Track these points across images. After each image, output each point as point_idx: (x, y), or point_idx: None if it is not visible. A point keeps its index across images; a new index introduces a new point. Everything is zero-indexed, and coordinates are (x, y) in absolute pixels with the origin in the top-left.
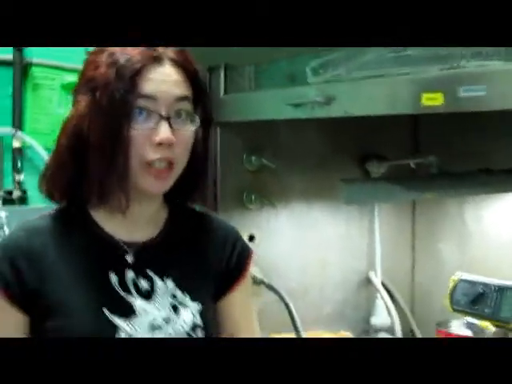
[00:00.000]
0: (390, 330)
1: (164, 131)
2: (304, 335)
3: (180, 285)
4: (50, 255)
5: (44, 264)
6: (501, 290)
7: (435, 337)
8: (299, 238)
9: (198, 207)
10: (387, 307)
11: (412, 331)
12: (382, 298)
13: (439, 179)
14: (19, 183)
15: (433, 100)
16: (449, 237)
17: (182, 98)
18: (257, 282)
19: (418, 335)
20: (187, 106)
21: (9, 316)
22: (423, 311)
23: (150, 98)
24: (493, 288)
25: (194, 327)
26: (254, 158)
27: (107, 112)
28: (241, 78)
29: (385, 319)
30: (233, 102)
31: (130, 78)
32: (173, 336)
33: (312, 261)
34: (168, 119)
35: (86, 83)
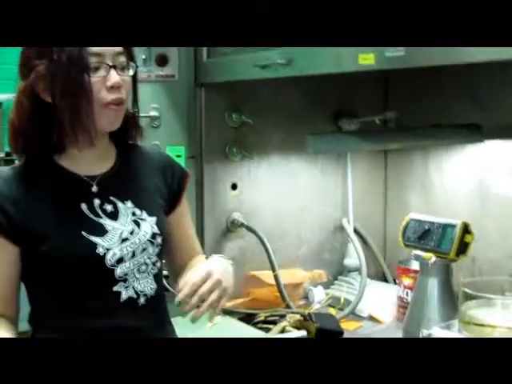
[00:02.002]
0: (360, 270)
1: (114, 76)
2: (280, 272)
3: (137, 204)
4: (29, 195)
5: (25, 203)
6: (443, 226)
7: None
8: (278, 187)
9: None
10: (356, 251)
11: (384, 273)
12: (352, 242)
13: (395, 133)
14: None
15: (367, 60)
16: (415, 186)
17: (121, 52)
18: (239, 225)
19: (389, 276)
20: (125, 57)
21: (4, 249)
22: (393, 254)
23: (99, 54)
24: (436, 225)
25: (154, 235)
26: (235, 115)
27: (69, 67)
28: None
29: (356, 261)
30: (214, 65)
31: None
32: (138, 244)
33: (289, 207)
34: (114, 68)
35: (40, 51)
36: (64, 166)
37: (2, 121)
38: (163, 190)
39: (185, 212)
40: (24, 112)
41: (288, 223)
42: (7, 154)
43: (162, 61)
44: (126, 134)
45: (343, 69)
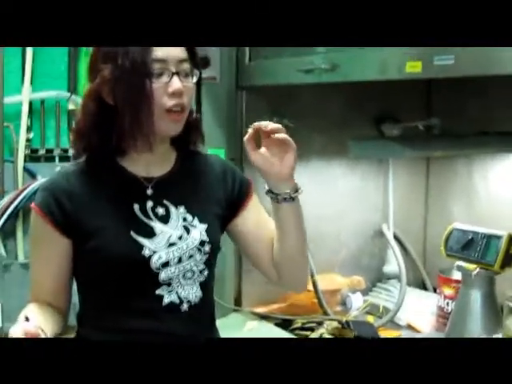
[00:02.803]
0: (399, 278)
1: (176, 83)
2: (318, 278)
3: (189, 210)
4: (85, 191)
5: (81, 199)
6: (487, 237)
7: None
8: (318, 191)
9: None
10: (396, 257)
11: (423, 280)
12: (392, 248)
13: (439, 140)
14: (74, 147)
15: (414, 67)
16: (458, 194)
17: (185, 60)
18: None
19: (428, 284)
20: (188, 65)
21: (57, 240)
22: (433, 262)
23: (162, 60)
24: (480, 236)
25: (202, 242)
26: (275, 118)
27: (132, 73)
28: (263, 48)
29: (395, 268)
30: (256, 68)
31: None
32: (185, 249)
33: (329, 212)
34: (177, 74)
35: (105, 55)
36: (123, 165)
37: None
38: (221, 198)
39: (255, 213)
40: (89, 114)
41: (327, 228)
42: (63, 151)
43: (204, 63)
44: (187, 139)
45: (389, 76)
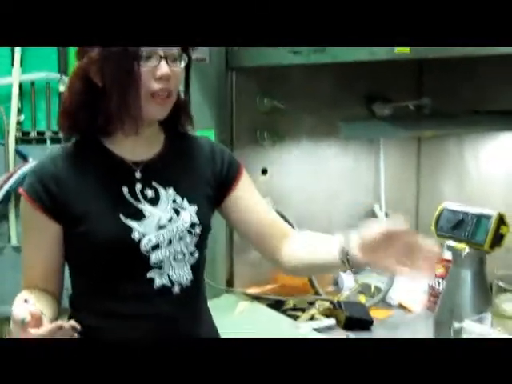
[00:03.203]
0: None
1: (164, 67)
2: None
3: (179, 192)
4: (73, 175)
5: (68, 182)
6: (477, 217)
7: None
8: (308, 172)
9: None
10: None
11: None
12: None
13: (430, 119)
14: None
15: (403, 48)
16: (449, 173)
17: None
18: None
19: None
20: (177, 49)
21: (47, 225)
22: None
23: None
24: (471, 215)
25: (192, 224)
26: (266, 99)
27: (120, 56)
28: None
29: None
30: (245, 49)
31: None
32: (175, 232)
33: (320, 193)
34: (166, 58)
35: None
36: (111, 149)
37: (49, 99)
38: (210, 179)
39: (247, 193)
40: (75, 93)
41: (318, 209)
42: (54, 133)
43: None
44: (176, 121)
45: (378, 57)
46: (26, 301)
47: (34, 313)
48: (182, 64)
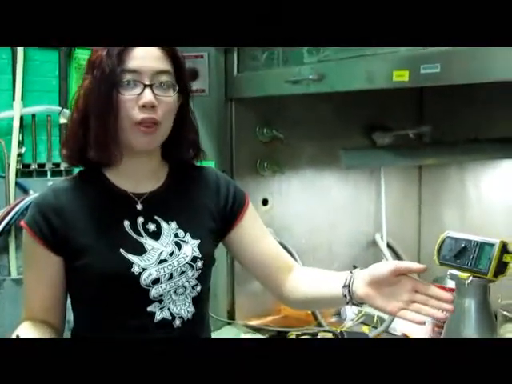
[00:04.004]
0: None
1: (147, 96)
2: None
3: (181, 225)
4: (74, 208)
5: (69, 215)
6: (480, 245)
7: None
8: (309, 202)
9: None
10: None
11: None
12: (386, 258)
13: (430, 148)
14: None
15: (401, 76)
16: (451, 201)
17: (163, 72)
18: None
19: None
20: (168, 77)
21: (48, 259)
22: (428, 271)
23: (135, 71)
24: (473, 243)
25: (194, 258)
26: (265, 129)
27: (100, 83)
28: (251, 58)
29: None
30: (244, 80)
31: (118, 55)
32: (176, 266)
33: (321, 222)
34: (151, 87)
35: (89, 65)
36: (113, 180)
37: (50, 132)
38: (214, 212)
39: (252, 225)
40: (72, 123)
41: (320, 239)
42: (55, 165)
43: (192, 75)
44: (178, 152)
45: (376, 85)
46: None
47: None
48: (173, 93)
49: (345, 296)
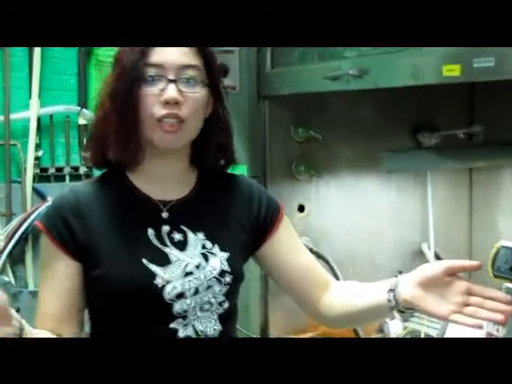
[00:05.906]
0: None
1: (170, 91)
2: None
3: (209, 237)
4: (96, 213)
5: (90, 221)
6: None
7: None
8: (349, 208)
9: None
10: None
11: None
12: None
13: (482, 149)
14: (85, 159)
15: (452, 71)
16: (505, 206)
17: (190, 66)
18: None
19: None
20: (195, 72)
21: (67, 265)
22: (480, 283)
23: (158, 65)
24: None
25: (222, 273)
26: (301, 129)
27: (122, 78)
28: (285, 53)
29: None
30: (278, 76)
31: (141, 49)
32: (202, 279)
33: (362, 231)
34: (175, 82)
35: (114, 62)
36: (137, 185)
37: (68, 133)
38: (246, 224)
39: (286, 239)
40: (96, 123)
41: (361, 249)
42: (74, 169)
43: (222, 71)
44: (206, 158)
45: (424, 81)
46: None
47: None
48: (200, 89)
49: (389, 300)
